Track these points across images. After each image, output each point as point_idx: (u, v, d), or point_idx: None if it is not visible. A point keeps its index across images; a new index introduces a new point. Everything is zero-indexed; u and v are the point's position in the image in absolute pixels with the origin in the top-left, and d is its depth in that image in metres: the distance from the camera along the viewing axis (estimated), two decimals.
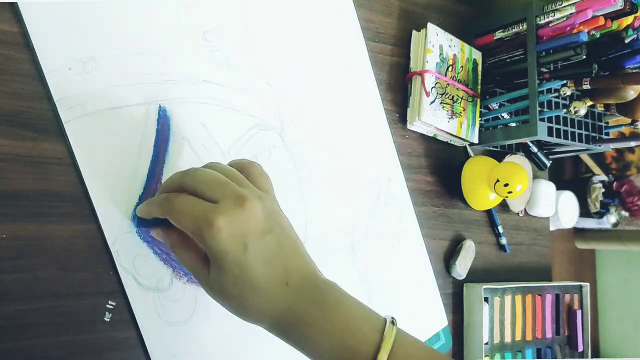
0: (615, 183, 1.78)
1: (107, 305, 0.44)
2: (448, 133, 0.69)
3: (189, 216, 0.37)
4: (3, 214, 0.40)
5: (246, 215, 0.37)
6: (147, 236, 0.46)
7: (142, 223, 0.45)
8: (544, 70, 0.69)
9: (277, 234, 0.40)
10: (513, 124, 0.73)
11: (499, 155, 0.78)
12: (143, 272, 0.45)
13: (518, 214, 0.85)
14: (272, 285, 0.38)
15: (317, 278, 0.42)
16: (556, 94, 0.70)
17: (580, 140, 0.75)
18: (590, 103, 0.70)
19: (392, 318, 0.41)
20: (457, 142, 0.74)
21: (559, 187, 0.93)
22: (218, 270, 0.38)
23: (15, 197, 0.41)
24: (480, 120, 0.74)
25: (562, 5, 0.65)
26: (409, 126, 0.69)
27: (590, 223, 1.77)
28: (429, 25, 0.68)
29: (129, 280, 0.44)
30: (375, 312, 0.42)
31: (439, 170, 0.73)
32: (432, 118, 0.67)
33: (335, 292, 0.42)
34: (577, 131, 0.75)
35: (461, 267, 0.72)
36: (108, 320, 0.44)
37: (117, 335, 0.45)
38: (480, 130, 0.73)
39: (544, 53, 0.68)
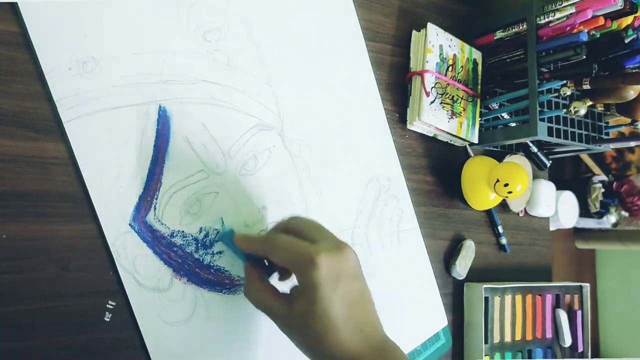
0: (615, 183, 1.78)
1: (107, 305, 0.44)
2: (448, 133, 0.69)
3: (290, 251, 0.42)
4: (3, 214, 0.40)
5: (342, 258, 0.42)
6: (146, 236, 0.46)
7: (232, 248, 0.48)
8: (544, 70, 0.69)
9: (361, 284, 0.44)
10: (513, 124, 0.73)
11: (499, 155, 0.78)
12: (143, 272, 0.45)
13: (518, 214, 0.85)
14: (350, 329, 0.41)
15: (385, 336, 0.45)
16: (556, 94, 0.70)
17: (580, 140, 0.75)
18: (590, 103, 0.70)
19: None
20: (457, 142, 0.74)
21: (559, 187, 0.93)
22: (306, 302, 0.40)
23: (15, 197, 0.41)
24: (480, 120, 0.74)
25: (562, 5, 0.65)
26: (409, 126, 0.69)
27: (590, 223, 1.77)
28: (429, 25, 0.68)
29: (129, 280, 0.44)
30: None
31: (439, 170, 0.73)
32: (432, 118, 0.67)
33: (399, 355, 0.44)
34: (577, 131, 0.75)
35: (461, 267, 0.72)
36: (108, 320, 0.44)
37: (117, 335, 0.45)
38: (480, 130, 0.73)
39: (544, 53, 0.68)
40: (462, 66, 0.71)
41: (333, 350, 0.40)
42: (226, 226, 0.50)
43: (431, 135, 0.72)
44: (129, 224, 0.45)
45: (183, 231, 0.48)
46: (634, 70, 0.66)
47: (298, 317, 0.41)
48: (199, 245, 0.49)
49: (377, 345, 0.43)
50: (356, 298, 0.42)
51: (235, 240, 0.48)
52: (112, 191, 0.44)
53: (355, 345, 0.41)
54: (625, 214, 1.75)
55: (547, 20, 0.67)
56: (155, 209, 0.46)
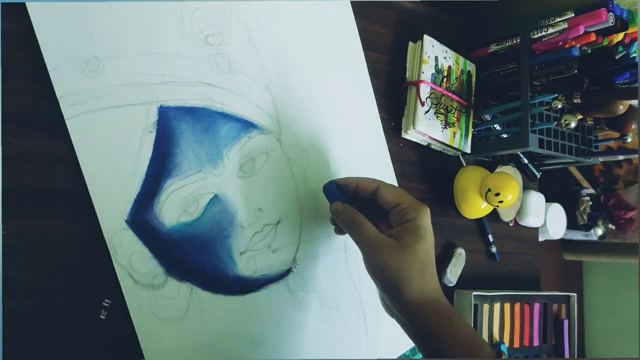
0: (603, 197, 1.81)
1: (104, 303, 0.45)
2: (441, 142, 0.71)
3: (408, 197, 0.52)
4: (3, 210, 0.41)
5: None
6: (143, 234, 0.46)
7: (332, 195, 0.54)
8: (536, 83, 0.71)
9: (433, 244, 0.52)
10: (505, 135, 0.75)
11: (490, 166, 0.79)
12: (139, 269, 0.46)
13: (508, 223, 0.86)
14: (434, 273, 0.50)
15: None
16: (548, 107, 0.71)
17: (570, 153, 0.77)
18: (580, 117, 0.71)
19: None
20: (450, 152, 0.76)
21: (548, 200, 0.94)
22: (417, 238, 0.49)
23: (15, 194, 0.42)
24: (473, 130, 0.75)
25: (556, 20, 0.67)
26: (403, 135, 0.70)
27: (577, 235, 1.79)
28: (425, 37, 0.69)
29: (125, 278, 0.45)
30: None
31: (432, 179, 0.74)
32: (427, 127, 0.68)
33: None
34: (567, 144, 0.76)
35: (452, 274, 0.73)
36: (104, 317, 0.45)
37: (112, 333, 0.45)
38: (472, 141, 0.75)
39: (536, 67, 0.70)
40: (456, 77, 0.72)
41: (430, 281, 0.49)
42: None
43: (425, 144, 0.73)
44: (126, 221, 0.46)
45: (179, 230, 0.48)
46: (623, 86, 0.68)
47: (407, 248, 0.48)
48: (196, 244, 0.49)
49: (444, 299, 0.51)
50: (433, 252, 0.51)
51: (340, 180, 0.54)
52: (111, 189, 0.45)
53: (434, 290, 0.49)
54: (612, 227, 1.78)
55: (540, 35, 0.68)
56: (152, 207, 0.47)
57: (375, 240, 0.49)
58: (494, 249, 0.82)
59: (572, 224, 1.70)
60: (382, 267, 0.48)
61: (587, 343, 2.12)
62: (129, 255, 0.46)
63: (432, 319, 0.47)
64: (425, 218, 0.51)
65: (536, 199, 0.87)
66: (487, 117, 0.76)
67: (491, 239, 0.81)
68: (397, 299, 0.48)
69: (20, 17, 0.43)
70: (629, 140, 0.74)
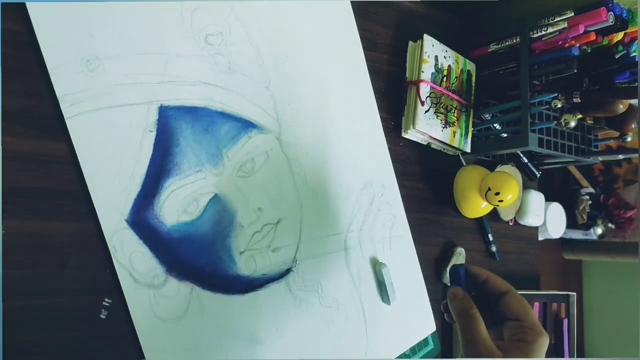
0: (602, 196, 1.81)
1: (104, 303, 0.45)
2: (441, 142, 0.71)
3: (532, 317, 0.49)
4: (4, 210, 0.41)
5: (546, 345, 0.49)
6: (143, 233, 0.46)
7: (456, 278, 0.52)
8: (536, 82, 0.71)
9: None
10: (505, 135, 0.75)
11: (490, 165, 0.80)
12: (139, 268, 0.46)
13: (508, 222, 0.86)
14: None
15: None
16: (547, 107, 0.71)
17: (569, 152, 0.77)
18: (580, 116, 0.71)
19: None
20: (450, 151, 0.76)
21: (548, 199, 0.94)
22: (524, 355, 0.47)
23: (16, 194, 0.42)
24: (473, 130, 0.75)
25: (555, 20, 0.67)
26: (403, 134, 0.70)
27: (577, 234, 1.79)
28: (425, 36, 0.69)
29: (125, 277, 0.45)
30: None
31: (431, 178, 0.74)
32: (426, 127, 0.68)
33: None
34: (567, 143, 0.76)
35: None
36: (104, 317, 0.45)
37: (112, 332, 0.45)
38: (472, 140, 0.75)
39: (536, 66, 0.70)
40: (456, 77, 0.72)
41: None
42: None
43: (425, 143, 0.73)
44: (126, 221, 0.46)
45: (180, 229, 0.48)
46: (623, 85, 0.68)
47: (535, 354, 0.47)
48: (196, 243, 0.49)
49: None
50: None
51: (473, 268, 0.53)
52: (110, 188, 0.45)
53: None
54: (611, 226, 1.78)
55: (540, 34, 0.68)
56: (153, 207, 0.47)
57: (483, 344, 0.48)
58: (493, 248, 0.82)
59: (571, 223, 1.70)
60: None
61: (586, 342, 2.12)
62: (129, 255, 0.46)
63: None
64: (542, 347, 0.48)
65: (536, 198, 0.87)
66: (487, 116, 0.76)
67: (491, 238, 0.81)
68: None
69: (20, 17, 0.42)
70: (629, 139, 0.74)
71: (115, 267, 0.45)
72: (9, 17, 0.42)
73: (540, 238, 1.06)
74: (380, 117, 0.68)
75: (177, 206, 0.48)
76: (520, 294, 0.51)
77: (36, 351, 0.42)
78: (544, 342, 0.48)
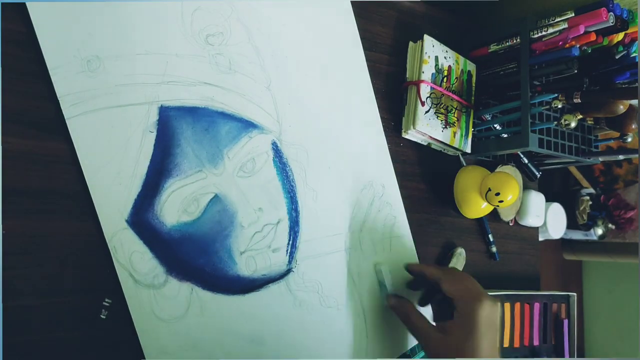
0: (602, 196, 1.81)
1: (104, 303, 0.45)
2: (442, 142, 0.71)
3: (462, 285, 0.53)
4: (4, 210, 0.41)
5: (496, 309, 0.52)
6: (143, 234, 0.46)
7: (385, 281, 0.61)
8: (536, 83, 0.71)
9: (498, 336, 0.53)
10: (505, 135, 0.75)
11: (490, 165, 0.79)
12: (139, 268, 0.46)
13: (508, 223, 0.86)
14: None
15: None
16: (548, 107, 0.71)
17: (570, 153, 0.77)
18: (580, 116, 0.71)
19: None
20: (450, 152, 0.76)
21: (548, 199, 0.94)
22: (464, 333, 0.50)
23: (17, 194, 0.42)
24: (474, 130, 0.75)
25: (556, 20, 0.67)
26: (403, 134, 0.70)
27: (577, 235, 1.79)
28: (426, 36, 0.69)
29: (125, 277, 0.45)
30: None
31: (432, 179, 0.74)
32: (427, 127, 0.68)
33: None
34: (567, 143, 0.76)
35: None
36: (104, 317, 0.45)
37: (112, 332, 0.45)
38: (473, 140, 0.75)
39: (536, 66, 0.70)
40: (456, 77, 0.72)
41: None
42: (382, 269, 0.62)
43: (425, 144, 0.73)
44: (127, 221, 0.46)
45: (180, 230, 0.48)
46: (623, 86, 0.68)
47: (454, 344, 0.50)
48: (196, 243, 0.49)
49: None
50: (494, 345, 0.51)
51: (411, 266, 0.59)
52: (111, 188, 0.45)
53: None
54: (612, 226, 1.78)
55: (540, 34, 0.68)
56: (153, 207, 0.47)
57: (420, 330, 0.52)
58: (494, 249, 0.82)
59: (571, 224, 1.70)
60: (435, 358, 0.50)
61: (586, 343, 2.12)
62: (130, 255, 0.46)
63: None
64: (478, 311, 0.50)
65: (536, 198, 0.87)
66: (487, 116, 0.76)
67: (491, 239, 0.81)
68: None
69: (20, 17, 0.43)
70: (629, 139, 0.74)
71: (116, 267, 0.45)
72: (9, 17, 0.42)
73: (541, 238, 1.06)
74: (381, 117, 0.68)
75: (177, 206, 0.49)
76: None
77: (37, 352, 0.42)
78: (480, 305, 0.50)
